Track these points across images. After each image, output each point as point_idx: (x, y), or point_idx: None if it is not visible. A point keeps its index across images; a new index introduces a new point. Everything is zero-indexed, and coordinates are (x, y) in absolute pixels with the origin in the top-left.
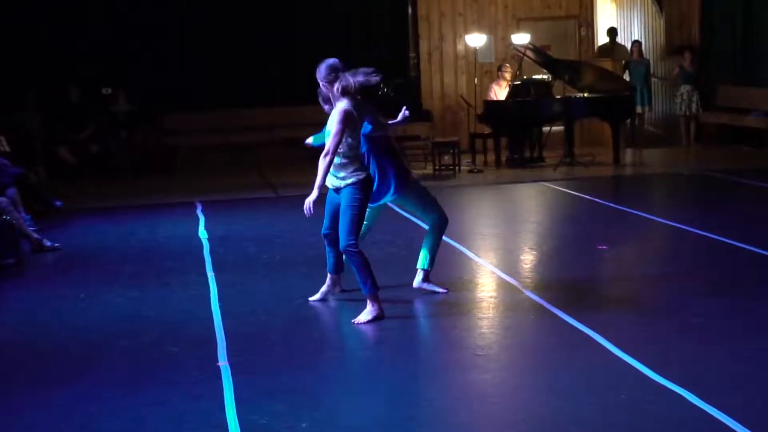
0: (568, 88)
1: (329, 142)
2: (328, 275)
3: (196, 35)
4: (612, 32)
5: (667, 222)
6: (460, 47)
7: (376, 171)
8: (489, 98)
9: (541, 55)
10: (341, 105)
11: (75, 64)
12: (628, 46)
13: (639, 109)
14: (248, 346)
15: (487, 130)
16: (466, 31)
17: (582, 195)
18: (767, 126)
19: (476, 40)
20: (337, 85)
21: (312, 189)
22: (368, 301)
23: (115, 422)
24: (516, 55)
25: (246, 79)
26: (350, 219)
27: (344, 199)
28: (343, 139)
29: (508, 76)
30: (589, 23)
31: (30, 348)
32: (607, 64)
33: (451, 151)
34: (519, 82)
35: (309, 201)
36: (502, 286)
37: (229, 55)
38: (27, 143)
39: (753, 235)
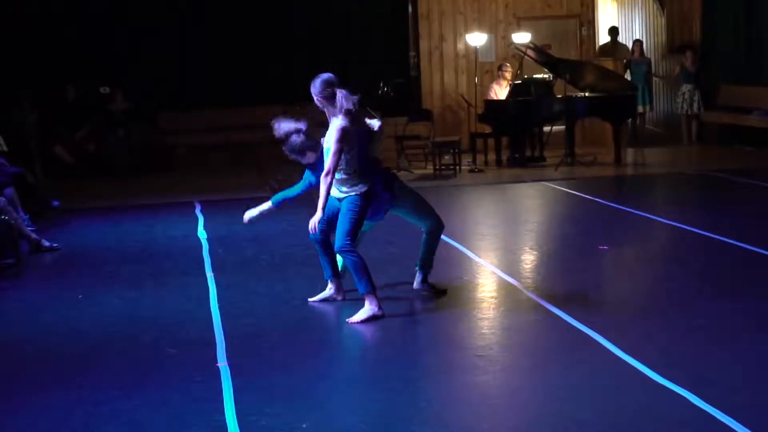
0: (569, 87)
1: (329, 162)
2: (328, 282)
3: (195, 34)
4: (613, 31)
5: (669, 222)
6: (460, 46)
7: None
8: (489, 98)
9: (541, 54)
10: (338, 122)
11: (72, 63)
12: (630, 45)
13: (640, 109)
14: (248, 347)
15: (487, 130)
16: (467, 30)
17: (583, 195)
18: None
19: (477, 39)
20: (339, 104)
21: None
22: (366, 300)
23: (114, 423)
24: (517, 55)
25: (245, 78)
26: (348, 223)
27: (345, 205)
28: (342, 156)
29: (508, 75)
30: (590, 22)
31: (28, 349)
32: (608, 64)
33: (452, 150)
34: (520, 82)
35: (314, 221)
36: (503, 286)
37: (229, 53)
38: (24, 143)
39: (755, 235)
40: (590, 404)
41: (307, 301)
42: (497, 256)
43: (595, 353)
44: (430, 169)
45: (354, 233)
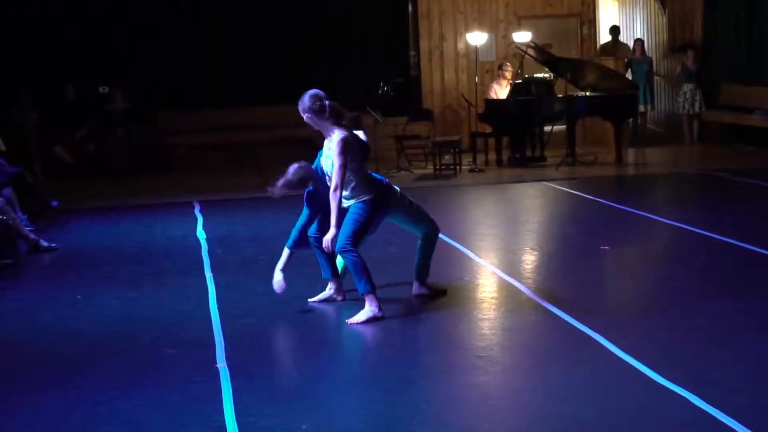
0: (570, 86)
1: (335, 177)
2: (328, 282)
3: (195, 34)
4: (614, 30)
5: (670, 222)
6: (460, 45)
7: None
8: (489, 97)
9: (542, 53)
10: (338, 135)
11: (72, 63)
12: (631, 44)
13: (641, 108)
14: (247, 348)
15: (488, 129)
16: (467, 29)
17: (584, 195)
18: None
19: (477, 38)
20: (326, 114)
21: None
22: (366, 301)
23: (113, 424)
24: (517, 54)
25: (245, 78)
26: (352, 225)
27: (351, 209)
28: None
29: (508, 74)
30: (591, 21)
31: (26, 349)
32: (609, 63)
33: (452, 150)
34: (520, 81)
35: (328, 239)
36: (503, 286)
37: (229, 53)
38: (24, 143)
39: (756, 235)
40: (591, 405)
41: (307, 302)
42: (498, 256)
43: (595, 354)
44: (430, 169)
45: (356, 236)
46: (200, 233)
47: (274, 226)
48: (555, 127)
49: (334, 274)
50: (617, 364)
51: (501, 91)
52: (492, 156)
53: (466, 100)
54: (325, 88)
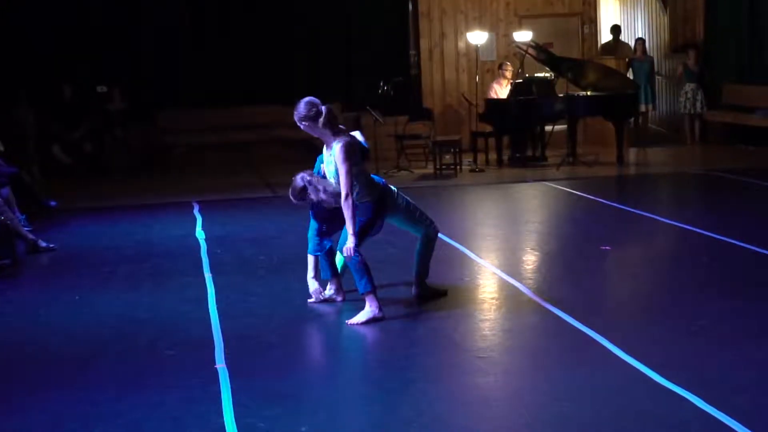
0: (571, 86)
1: (344, 185)
2: (328, 282)
3: (193, 33)
4: (615, 30)
5: (672, 222)
6: (461, 45)
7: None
8: (490, 97)
9: (543, 52)
10: (338, 143)
11: (69, 62)
12: (632, 43)
13: (643, 108)
14: (246, 349)
15: (488, 129)
16: (468, 28)
17: (585, 195)
18: None
19: (478, 37)
20: (324, 122)
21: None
22: (366, 301)
23: (112, 425)
24: (518, 53)
25: (245, 78)
26: (356, 225)
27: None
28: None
29: (508, 74)
30: (593, 20)
31: (24, 350)
32: (610, 62)
33: (453, 150)
34: (521, 81)
35: (350, 248)
36: (504, 287)
37: (227, 52)
38: (21, 142)
39: (758, 235)
40: (592, 405)
41: (307, 302)
42: (498, 256)
43: (596, 354)
44: (430, 169)
45: (361, 234)
46: (199, 233)
47: (273, 226)
48: (556, 127)
49: (334, 275)
50: (618, 365)
51: (501, 90)
52: (492, 156)
53: (467, 100)
54: (325, 88)
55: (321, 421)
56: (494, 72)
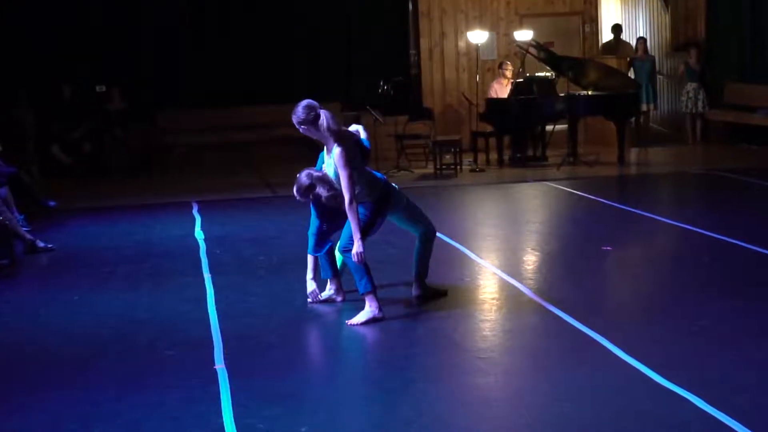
0: (572, 85)
1: (346, 190)
2: (328, 282)
3: (193, 32)
4: (616, 29)
5: (673, 222)
6: (461, 44)
7: None
8: (490, 96)
9: (544, 52)
10: (337, 149)
11: (69, 62)
12: (633, 43)
13: (644, 107)
14: (245, 349)
15: (489, 129)
16: (468, 27)
17: (586, 195)
18: None
19: (478, 36)
20: (326, 125)
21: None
22: (366, 301)
23: (111, 425)
24: (519, 52)
25: (244, 77)
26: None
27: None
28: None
29: (508, 73)
30: (593, 20)
31: (22, 350)
32: (611, 62)
33: (453, 149)
34: (522, 80)
35: (358, 253)
36: (505, 287)
37: (227, 52)
38: (20, 142)
39: (760, 235)
40: (592, 406)
41: (307, 302)
42: (499, 256)
43: (597, 355)
44: (430, 169)
45: (362, 234)
46: (198, 233)
47: (272, 226)
48: (556, 127)
49: (334, 275)
50: (618, 365)
51: (502, 90)
52: (493, 155)
53: (467, 99)
54: (325, 88)
55: (321, 421)
56: (495, 71)
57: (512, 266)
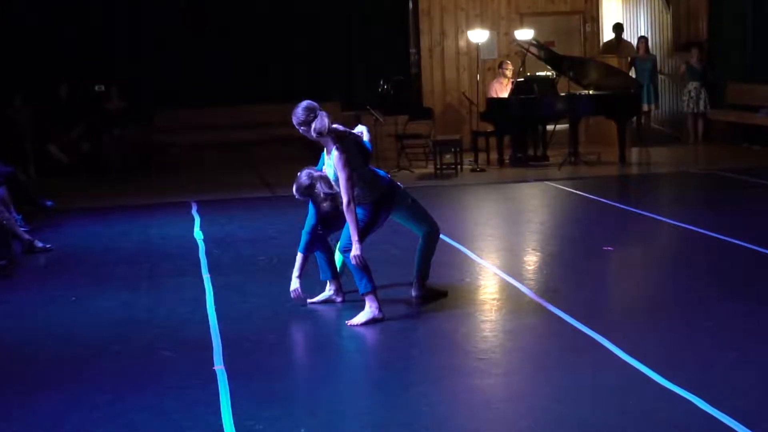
0: (573, 85)
1: (344, 192)
2: (327, 283)
3: (192, 32)
4: (618, 28)
5: (675, 222)
6: (461, 43)
7: None
8: (490, 96)
9: (545, 51)
10: (336, 151)
11: (66, 61)
12: (634, 42)
13: (645, 107)
14: (245, 350)
15: (489, 128)
16: (468, 26)
17: (587, 195)
18: None
19: (478, 36)
20: (322, 126)
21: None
22: (366, 302)
23: (109, 426)
24: (519, 52)
25: (244, 76)
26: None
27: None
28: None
29: (508, 73)
30: (594, 19)
31: (20, 351)
32: (612, 61)
33: (453, 149)
34: (522, 79)
35: (355, 256)
36: (505, 288)
37: (226, 51)
38: (17, 141)
39: (762, 236)
40: (593, 407)
41: (306, 303)
42: (499, 257)
43: (598, 356)
44: (430, 169)
45: (361, 235)
46: (197, 234)
47: (272, 226)
48: (557, 126)
49: (334, 275)
50: (619, 366)
51: (501, 89)
52: (493, 155)
53: (468, 99)
54: (325, 87)
55: (320, 422)
56: (495, 71)
57: (513, 266)
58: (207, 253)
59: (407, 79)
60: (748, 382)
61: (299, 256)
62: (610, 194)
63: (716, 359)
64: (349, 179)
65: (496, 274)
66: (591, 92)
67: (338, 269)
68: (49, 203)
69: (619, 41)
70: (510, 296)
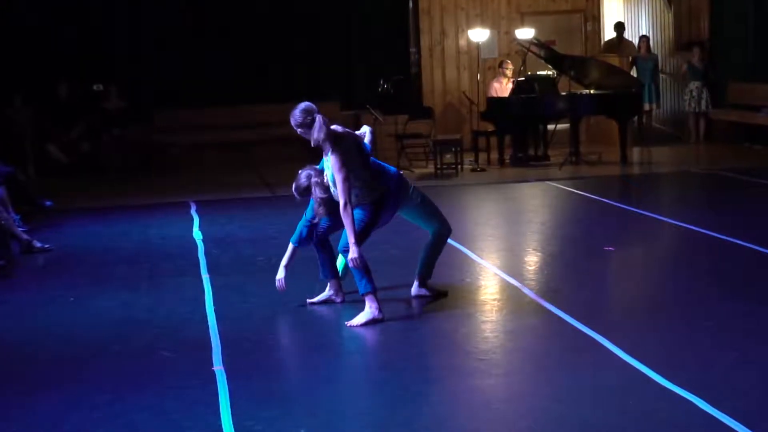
0: (574, 84)
1: (342, 193)
2: (328, 283)
3: (192, 32)
4: (619, 27)
5: (676, 222)
6: (462, 42)
7: None
8: (490, 95)
9: (545, 50)
10: (334, 153)
11: (65, 60)
12: (636, 41)
13: (647, 106)
14: (244, 350)
15: (490, 128)
16: (469, 25)
17: (588, 194)
18: None
19: (479, 35)
20: (319, 126)
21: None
22: (366, 302)
23: (109, 427)
24: (520, 51)
25: (243, 76)
26: (357, 225)
27: (356, 211)
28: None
29: (508, 72)
30: (596, 18)
31: (19, 352)
32: (613, 60)
33: (453, 149)
34: (523, 79)
35: (353, 258)
36: (506, 288)
37: (226, 51)
38: (17, 141)
39: (763, 236)
40: (594, 407)
41: (306, 303)
42: (500, 257)
43: (598, 356)
44: (431, 168)
45: (360, 236)
46: (197, 234)
47: (271, 226)
48: (558, 126)
49: (334, 275)
50: (620, 366)
51: (501, 89)
52: (494, 155)
53: (468, 98)
54: (325, 87)
55: (319, 423)
56: (496, 70)
57: (513, 267)
58: (206, 253)
59: (407, 79)
60: (749, 382)
61: (290, 247)
62: (611, 194)
63: (716, 359)
64: (346, 180)
65: (496, 274)
66: (592, 92)
67: (339, 270)
68: (48, 203)
69: (620, 40)
70: (510, 296)
